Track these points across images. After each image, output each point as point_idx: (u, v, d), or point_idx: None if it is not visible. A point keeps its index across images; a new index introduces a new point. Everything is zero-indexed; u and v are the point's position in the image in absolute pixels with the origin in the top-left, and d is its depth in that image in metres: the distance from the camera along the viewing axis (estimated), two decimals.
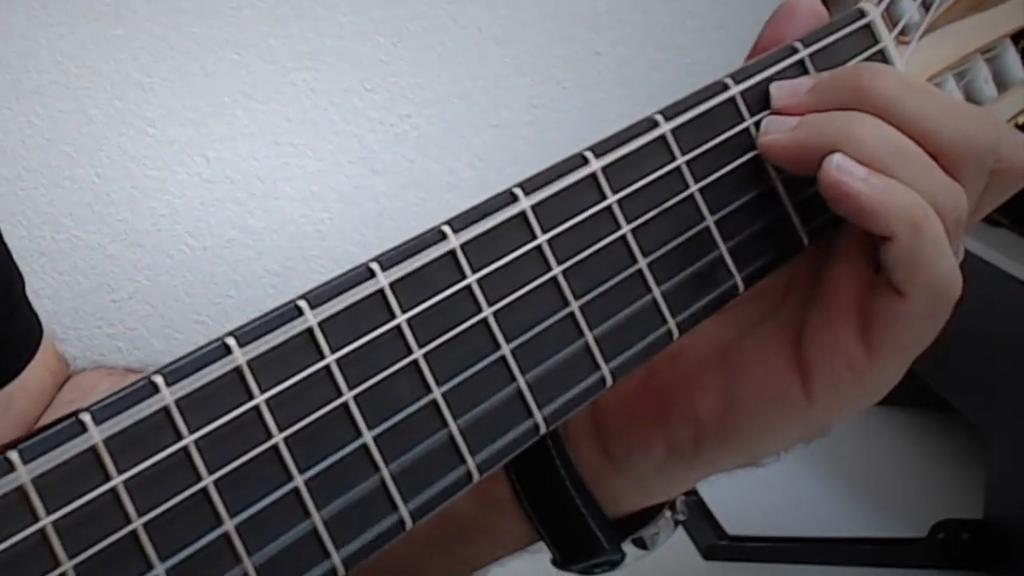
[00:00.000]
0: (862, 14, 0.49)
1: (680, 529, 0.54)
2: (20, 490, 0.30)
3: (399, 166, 1.10)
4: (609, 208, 0.41)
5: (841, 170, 0.41)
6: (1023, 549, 0.80)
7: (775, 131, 0.44)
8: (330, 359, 0.35)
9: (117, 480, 0.31)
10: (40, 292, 1.05)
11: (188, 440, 0.32)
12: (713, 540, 0.86)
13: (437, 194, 1.11)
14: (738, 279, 0.43)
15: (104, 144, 1.05)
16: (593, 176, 0.40)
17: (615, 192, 0.41)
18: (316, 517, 0.34)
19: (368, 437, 0.35)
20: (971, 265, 0.85)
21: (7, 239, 0.68)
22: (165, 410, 0.32)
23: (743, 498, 0.89)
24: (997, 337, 0.83)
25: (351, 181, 1.10)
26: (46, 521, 0.30)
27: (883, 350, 0.43)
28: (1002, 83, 0.53)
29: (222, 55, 1.06)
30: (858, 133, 0.42)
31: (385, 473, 0.35)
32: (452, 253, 0.37)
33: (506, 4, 1.09)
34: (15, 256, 0.67)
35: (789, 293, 0.47)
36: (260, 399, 0.33)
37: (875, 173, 0.41)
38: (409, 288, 0.36)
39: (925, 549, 0.84)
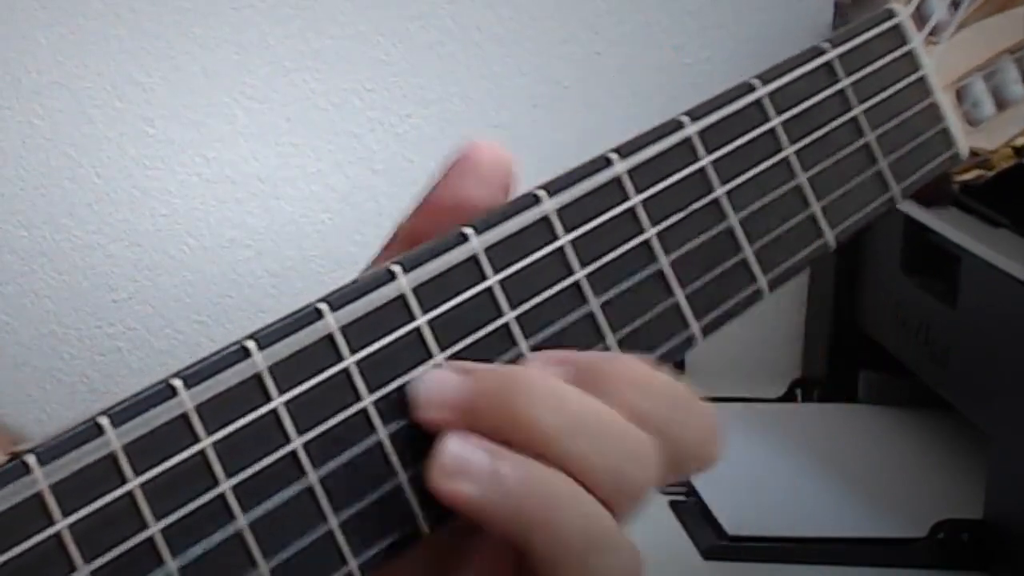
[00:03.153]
0: (891, 14, 0.48)
1: (680, 529, 0.54)
2: (37, 493, 0.30)
3: (399, 166, 1.10)
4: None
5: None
6: (1023, 549, 0.80)
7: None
8: (349, 361, 0.35)
9: (134, 483, 0.31)
10: (40, 292, 1.05)
11: (206, 443, 0.32)
12: (713, 540, 0.86)
13: None
14: None
15: (104, 144, 1.05)
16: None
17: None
18: (333, 522, 0.34)
19: (384, 437, 0.35)
20: (971, 265, 0.86)
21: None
22: (184, 415, 0.32)
23: (743, 498, 0.89)
24: (997, 337, 0.83)
25: (351, 181, 1.10)
26: (62, 525, 0.30)
27: None
28: None
29: (222, 55, 1.06)
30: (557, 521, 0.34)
31: (403, 478, 0.35)
32: (474, 257, 0.37)
33: (506, 4, 1.09)
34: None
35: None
36: (278, 401, 0.33)
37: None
38: (431, 291, 0.36)
39: (925, 549, 0.84)
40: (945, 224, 0.89)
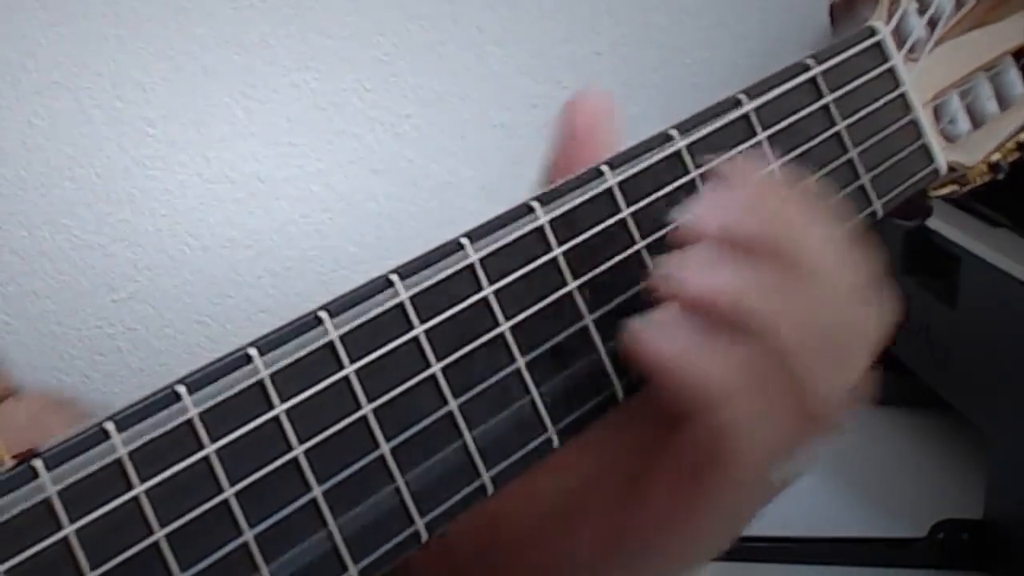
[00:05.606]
0: (873, 32, 0.48)
1: None
2: (45, 500, 0.30)
3: (399, 166, 1.10)
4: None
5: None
6: (1023, 549, 0.80)
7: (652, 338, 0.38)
8: (349, 369, 0.35)
9: (139, 489, 0.31)
10: (40, 292, 1.05)
11: (209, 450, 0.32)
12: None
13: (437, 194, 1.10)
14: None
15: (104, 144, 1.05)
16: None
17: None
18: (333, 528, 0.34)
19: (386, 449, 0.35)
20: (971, 265, 0.85)
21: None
22: (188, 421, 0.32)
23: None
24: (997, 337, 0.83)
25: (351, 181, 1.10)
26: (69, 530, 0.30)
27: None
28: (1004, 100, 0.53)
29: (222, 55, 1.06)
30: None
31: (401, 485, 0.35)
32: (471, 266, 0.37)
33: (506, 4, 1.09)
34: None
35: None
36: (280, 409, 0.33)
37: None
38: (429, 299, 0.36)
39: (925, 549, 0.84)
40: (945, 224, 0.89)
